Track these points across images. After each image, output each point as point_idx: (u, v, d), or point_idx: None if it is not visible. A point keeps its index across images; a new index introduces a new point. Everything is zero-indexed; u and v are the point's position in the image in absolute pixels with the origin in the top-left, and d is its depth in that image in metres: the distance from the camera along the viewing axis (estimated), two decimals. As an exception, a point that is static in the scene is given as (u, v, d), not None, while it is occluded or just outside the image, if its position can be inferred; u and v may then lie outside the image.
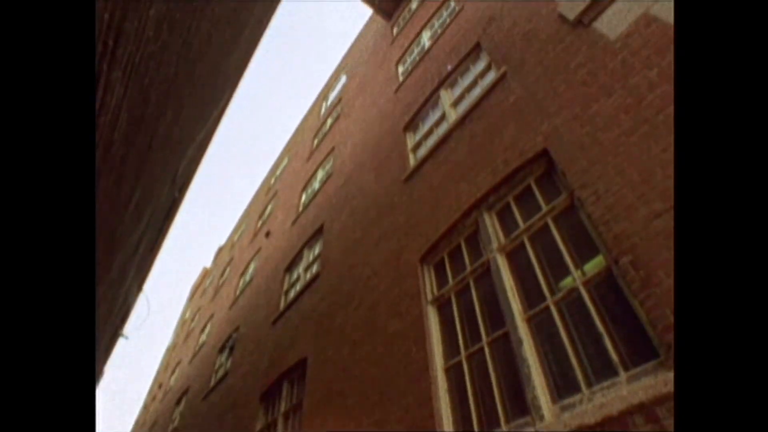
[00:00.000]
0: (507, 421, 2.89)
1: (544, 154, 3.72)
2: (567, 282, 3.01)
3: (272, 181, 17.50)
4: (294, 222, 10.44)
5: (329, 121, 12.87)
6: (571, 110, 3.65)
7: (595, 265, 2.89)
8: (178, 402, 14.03)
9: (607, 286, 2.76)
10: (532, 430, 2.56)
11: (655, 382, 2.12)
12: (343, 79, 14.20)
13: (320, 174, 10.79)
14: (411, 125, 6.75)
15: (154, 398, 21.47)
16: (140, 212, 4.14)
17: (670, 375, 2.09)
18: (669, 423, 2.01)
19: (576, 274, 2.95)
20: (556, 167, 3.51)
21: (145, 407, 23.23)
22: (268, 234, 12.83)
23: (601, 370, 2.55)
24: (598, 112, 3.41)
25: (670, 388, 2.05)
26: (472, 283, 3.81)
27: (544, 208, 3.46)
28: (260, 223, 15.35)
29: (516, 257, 3.52)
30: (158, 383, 22.48)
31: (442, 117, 5.94)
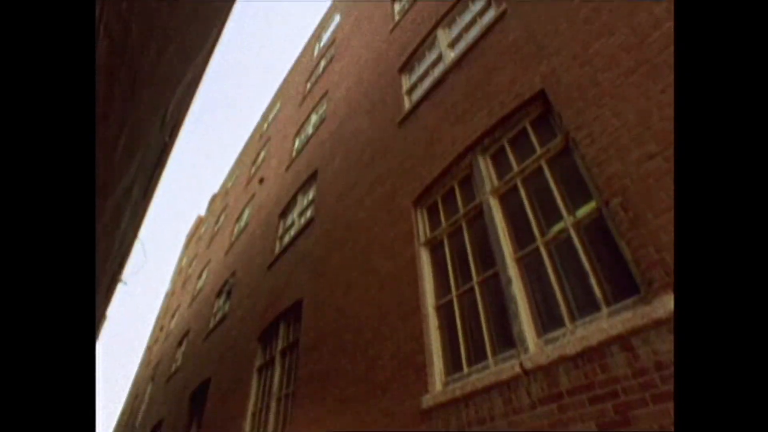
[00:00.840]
0: (494, 354, 3.05)
1: (541, 95, 3.64)
2: (558, 227, 3.06)
3: (265, 126, 17.14)
4: (287, 168, 10.35)
5: (323, 63, 12.41)
6: (571, 50, 3.54)
7: (586, 210, 2.93)
8: (180, 343, 14.57)
9: (596, 227, 2.81)
10: (517, 361, 2.70)
11: (634, 316, 2.22)
12: (337, 18, 13.54)
13: (314, 118, 10.56)
14: (406, 67, 6.53)
15: (156, 340, 22.27)
16: (130, 154, 4.07)
17: (648, 309, 2.18)
18: (643, 351, 2.13)
19: (567, 216, 2.99)
20: (553, 109, 3.46)
21: (149, 348, 24.16)
22: (261, 180, 12.76)
23: (585, 306, 2.66)
24: (598, 51, 3.31)
25: (647, 321, 2.15)
26: (464, 226, 3.86)
27: (539, 150, 3.45)
28: (254, 169, 15.22)
29: (508, 200, 3.55)
30: (160, 326, 23.23)
31: (439, 58, 5.74)
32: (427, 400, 3.18)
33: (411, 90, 6.08)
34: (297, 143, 11.01)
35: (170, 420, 10.94)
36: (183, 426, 9.59)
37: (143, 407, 16.45)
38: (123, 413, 22.93)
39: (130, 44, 2.10)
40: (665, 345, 2.07)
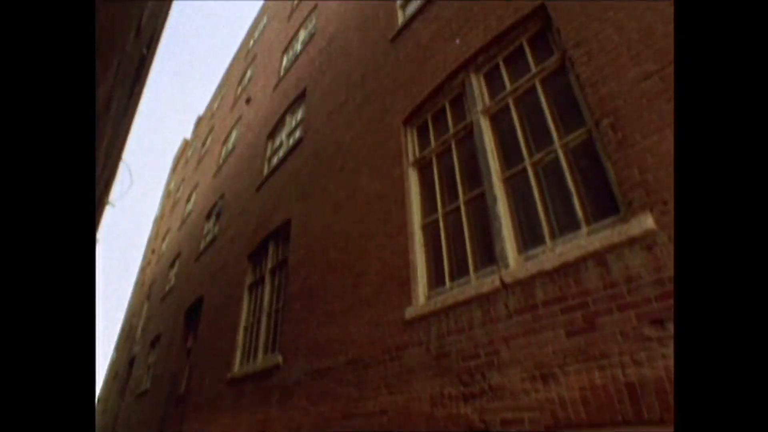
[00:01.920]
0: (476, 270, 3.18)
1: (542, 9, 3.44)
2: (547, 148, 3.04)
3: (251, 44, 16.19)
4: (275, 87, 9.95)
5: (311, -28, 11.45)
6: (578, -43, 3.28)
7: (577, 132, 2.90)
8: (172, 264, 14.90)
9: (584, 149, 2.81)
10: (497, 276, 2.82)
11: (611, 234, 2.29)
12: None
13: (302, 35, 9.97)
14: (401, -23, 6.06)
15: (149, 263, 22.74)
16: (105, 61, 3.84)
17: (625, 227, 2.24)
18: (615, 266, 2.23)
19: (556, 138, 2.97)
20: (552, 24, 3.29)
21: (142, 270, 24.74)
22: (248, 101, 12.31)
23: (566, 225, 2.73)
24: (606, -41, 3.07)
25: (623, 238, 2.23)
26: (453, 145, 3.83)
27: (534, 69, 3.33)
28: (240, 89, 14.62)
29: (499, 120, 3.49)
30: (151, 249, 23.61)
31: (436, -33, 5.31)
32: (409, 312, 3.35)
33: (405, 3, 5.70)
34: (285, 61, 10.48)
35: (167, 334, 11.50)
36: (180, 339, 10.11)
37: (141, 324, 17.19)
38: (123, 330, 24.02)
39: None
40: (637, 260, 2.16)
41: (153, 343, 13.15)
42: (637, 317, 2.06)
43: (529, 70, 3.39)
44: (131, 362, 15.91)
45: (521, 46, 3.56)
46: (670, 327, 1.91)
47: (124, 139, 11.23)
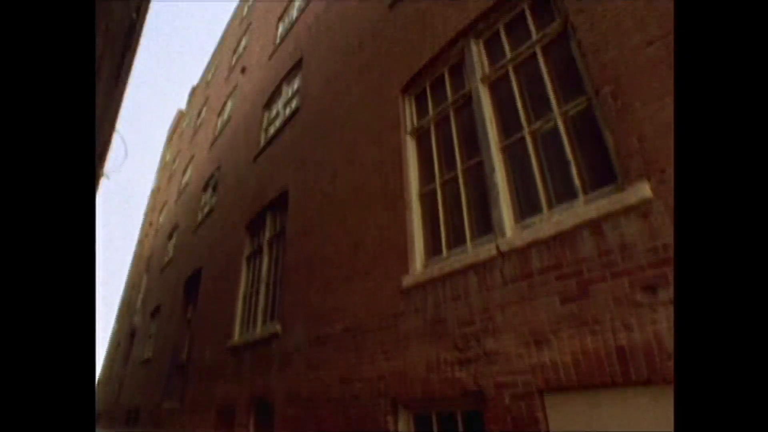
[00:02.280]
0: (473, 238, 3.20)
1: (545, -28, 3.33)
2: (546, 117, 3.01)
3: (245, 11, 15.73)
4: (271, 56, 9.73)
5: (306, -66, 11.01)
6: None
7: (577, 101, 2.86)
8: (170, 237, 14.93)
9: (583, 117, 2.78)
10: (494, 244, 2.84)
11: (608, 202, 2.30)
12: None
13: (298, 1, 9.67)
14: (400, -62, 5.83)
15: (147, 235, 22.78)
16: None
17: (622, 196, 2.25)
18: (611, 234, 2.25)
19: (556, 106, 2.93)
20: (555, -12, 3.20)
21: (140, 243, 24.81)
22: (243, 70, 12.06)
23: (564, 194, 2.74)
24: None
25: (619, 206, 2.23)
26: (452, 114, 3.79)
27: (535, 36, 3.26)
28: (235, 58, 14.29)
29: (499, 88, 3.45)
30: (149, 222, 23.61)
31: (437, -73, 5.11)
32: (407, 280, 3.39)
33: (404, -34, 5.50)
34: (281, 29, 10.21)
35: (167, 305, 11.64)
36: (180, 310, 10.24)
37: (141, 296, 17.36)
38: (123, 302, 24.28)
39: None
40: (632, 229, 2.18)
41: (153, 314, 13.33)
42: (629, 284, 2.09)
43: (529, 36, 3.32)
44: (132, 333, 16.17)
45: (522, 12, 3.47)
46: (662, 293, 1.95)
47: (117, 109, 11.04)
